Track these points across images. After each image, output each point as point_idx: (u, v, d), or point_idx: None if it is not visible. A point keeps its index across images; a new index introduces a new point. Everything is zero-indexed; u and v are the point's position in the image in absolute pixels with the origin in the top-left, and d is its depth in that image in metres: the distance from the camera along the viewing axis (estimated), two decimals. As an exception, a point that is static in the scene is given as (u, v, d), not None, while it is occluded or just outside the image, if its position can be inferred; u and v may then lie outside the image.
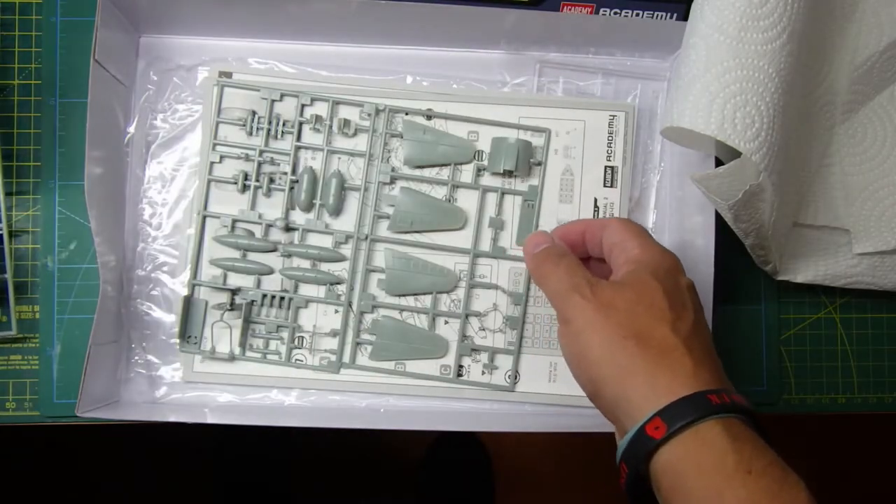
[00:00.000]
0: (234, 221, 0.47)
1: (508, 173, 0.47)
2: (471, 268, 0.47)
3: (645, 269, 0.36)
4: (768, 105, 0.38)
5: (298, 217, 0.47)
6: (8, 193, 0.47)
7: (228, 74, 0.47)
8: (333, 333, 0.47)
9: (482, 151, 0.48)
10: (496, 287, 0.48)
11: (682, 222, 0.48)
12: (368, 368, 0.47)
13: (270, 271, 0.47)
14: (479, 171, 0.47)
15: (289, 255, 0.47)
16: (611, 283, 0.36)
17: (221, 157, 0.47)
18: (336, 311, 0.47)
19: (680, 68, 0.40)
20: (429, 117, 0.47)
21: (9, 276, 0.46)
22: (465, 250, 0.47)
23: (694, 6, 0.41)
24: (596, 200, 0.48)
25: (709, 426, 0.31)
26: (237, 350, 0.46)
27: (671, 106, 0.40)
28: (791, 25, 0.39)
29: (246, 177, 0.46)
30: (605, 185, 0.48)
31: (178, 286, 0.47)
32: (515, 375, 0.48)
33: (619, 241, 0.38)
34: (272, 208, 0.47)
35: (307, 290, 0.47)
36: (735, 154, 0.40)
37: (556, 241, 0.41)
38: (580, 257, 0.40)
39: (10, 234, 0.47)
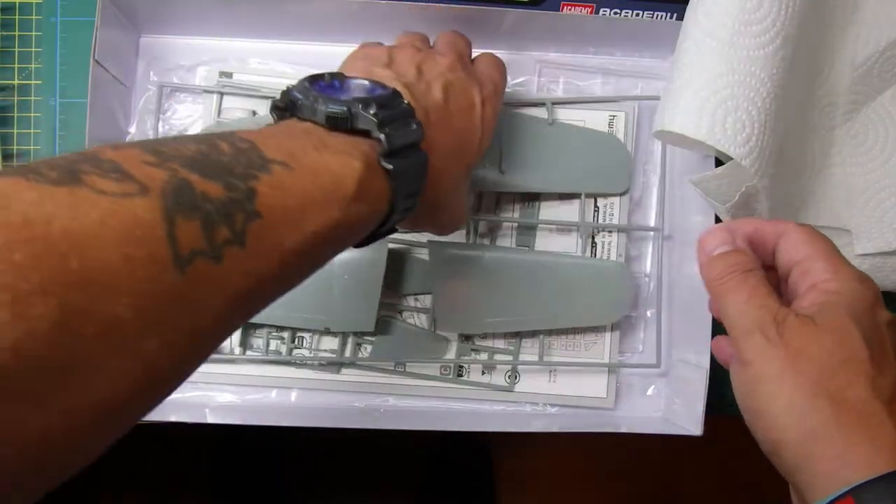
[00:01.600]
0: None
1: (508, 173, 0.48)
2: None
3: (841, 307, 0.31)
4: (759, 110, 0.38)
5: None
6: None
7: (228, 74, 0.47)
8: (334, 333, 0.47)
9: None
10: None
11: (683, 222, 0.48)
12: (368, 368, 0.47)
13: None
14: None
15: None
16: (802, 322, 0.31)
17: (221, 157, 0.47)
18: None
19: (673, 72, 0.40)
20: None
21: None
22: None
23: (688, 10, 0.41)
24: (596, 200, 0.48)
25: None
26: (237, 350, 0.46)
27: (663, 109, 0.40)
28: (785, 30, 0.39)
29: (246, 177, 0.47)
30: (605, 186, 0.49)
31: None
32: (515, 375, 0.48)
33: (803, 258, 0.33)
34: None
35: (307, 290, 0.47)
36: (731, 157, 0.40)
37: (739, 242, 0.34)
38: None
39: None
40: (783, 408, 0.30)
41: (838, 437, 0.29)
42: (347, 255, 0.45)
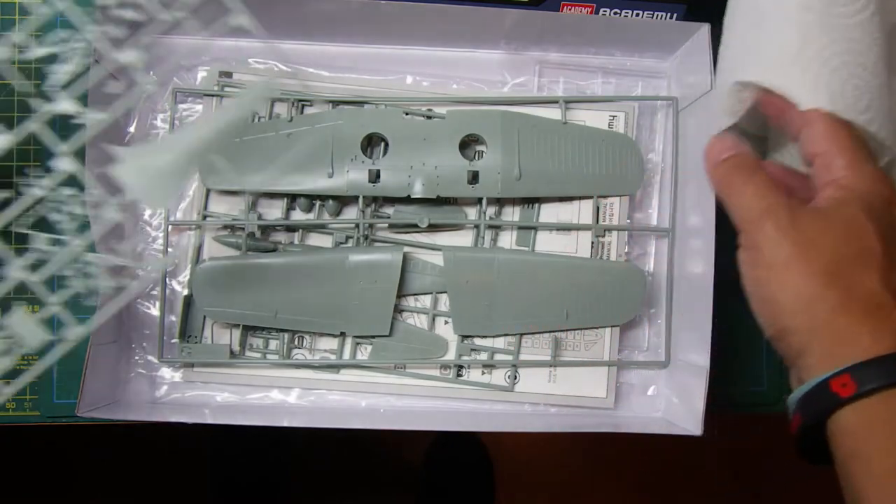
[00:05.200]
0: (234, 221, 0.47)
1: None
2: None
3: (856, 202, 0.31)
4: (871, 75, 0.36)
5: (299, 217, 0.47)
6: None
7: (228, 74, 0.47)
8: (333, 333, 0.47)
9: (482, 151, 0.48)
10: (496, 287, 0.48)
11: (682, 222, 0.48)
12: (368, 368, 0.47)
13: (270, 271, 0.47)
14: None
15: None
16: (814, 214, 0.31)
17: (221, 157, 0.47)
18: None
19: (766, 49, 0.37)
20: (429, 117, 0.47)
21: None
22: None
23: None
24: (596, 200, 0.48)
25: None
26: (237, 349, 0.46)
27: (764, 68, 0.37)
28: None
29: (246, 177, 0.47)
30: (605, 186, 0.49)
31: (178, 286, 0.47)
32: (515, 375, 0.48)
33: (824, 152, 0.32)
34: (272, 208, 0.47)
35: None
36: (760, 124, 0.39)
37: (744, 147, 0.35)
38: None
39: None
40: (791, 295, 0.30)
41: (844, 323, 0.29)
42: (363, 260, 0.45)
